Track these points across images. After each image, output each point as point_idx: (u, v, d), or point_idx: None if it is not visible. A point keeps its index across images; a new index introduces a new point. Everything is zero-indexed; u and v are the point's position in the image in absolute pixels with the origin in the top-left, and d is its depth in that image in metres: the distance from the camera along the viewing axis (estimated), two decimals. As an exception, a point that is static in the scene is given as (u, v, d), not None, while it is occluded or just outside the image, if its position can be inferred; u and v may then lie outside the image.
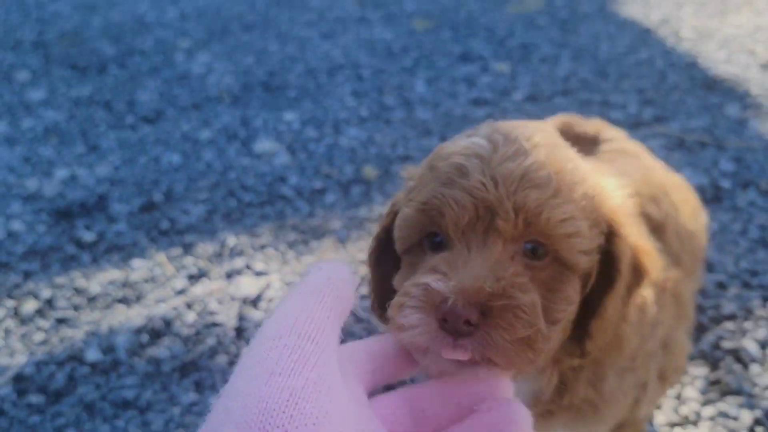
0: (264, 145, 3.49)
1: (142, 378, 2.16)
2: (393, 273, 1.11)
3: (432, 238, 1.01)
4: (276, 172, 3.24)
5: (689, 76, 3.96)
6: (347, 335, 2.24)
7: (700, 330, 2.16)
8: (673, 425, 1.86)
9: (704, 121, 3.43)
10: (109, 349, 2.28)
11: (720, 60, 4.14)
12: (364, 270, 2.55)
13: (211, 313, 2.37)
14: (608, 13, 5.07)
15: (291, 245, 2.73)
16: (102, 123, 3.86)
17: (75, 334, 2.35)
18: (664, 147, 3.23)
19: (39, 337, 2.36)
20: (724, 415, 1.87)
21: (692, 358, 2.06)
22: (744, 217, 2.68)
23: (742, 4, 5.02)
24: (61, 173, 3.36)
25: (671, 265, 1.45)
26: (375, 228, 1.19)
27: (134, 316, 2.39)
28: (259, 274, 2.57)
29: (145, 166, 3.38)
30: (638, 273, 1.12)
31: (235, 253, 2.70)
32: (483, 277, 0.88)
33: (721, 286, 2.33)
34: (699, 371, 2.02)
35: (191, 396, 2.07)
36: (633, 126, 3.44)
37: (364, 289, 2.43)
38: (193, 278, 2.58)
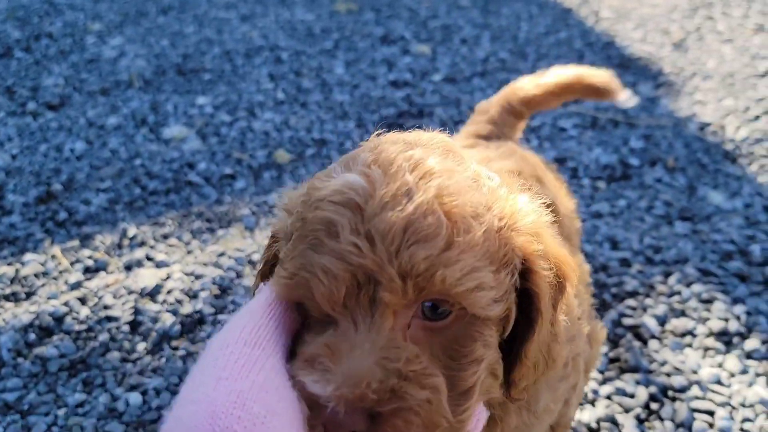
0: (173, 130, 3.34)
1: (25, 379, 2.03)
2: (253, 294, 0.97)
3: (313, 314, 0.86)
4: (184, 158, 3.11)
5: (606, 55, 3.99)
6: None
7: (603, 308, 2.16)
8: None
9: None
10: (-8, 350, 2.14)
11: (636, 39, 4.18)
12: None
13: (105, 308, 2.25)
14: (531, -6, 5.08)
15: (196, 234, 2.62)
16: (0, 110, 3.64)
17: (-44, 335, 2.20)
18: (577, 126, 3.24)
19: None
20: (621, 392, 1.87)
21: (594, 336, 2.06)
22: (651, 194, 2.71)
23: (660, -16, 5.10)
24: (-48, 164, 3.15)
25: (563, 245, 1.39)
26: (258, 264, 1.06)
27: (22, 313, 2.25)
28: (160, 265, 2.45)
29: (45, 155, 3.20)
30: (561, 285, 0.98)
31: (136, 243, 2.57)
32: (368, 374, 0.74)
33: (625, 263, 2.34)
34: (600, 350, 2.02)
35: (78, 396, 1.96)
36: (549, 106, 3.44)
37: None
38: (89, 271, 2.44)
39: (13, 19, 4.85)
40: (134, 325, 2.18)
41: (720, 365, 1.92)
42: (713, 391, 1.83)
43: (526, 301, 0.91)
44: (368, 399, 0.73)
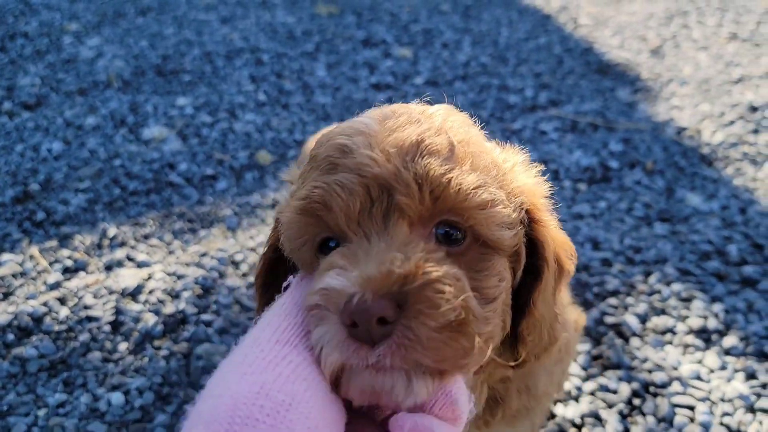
0: (153, 131, 3.31)
1: (4, 379, 1.99)
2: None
3: (326, 245, 0.83)
4: (165, 158, 3.09)
5: (584, 61, 4.05)
6: (232, 325, 2.14)
7: (584, 307, 2.18)
8: (555, 402, 1.86)
9: (597, 105, 3.50)
10: (-31, 351, 2.09)
11: (614, 46, 4.25)
12: (255, 258, 2.45)
13: (86, 308, 2.22)
14: (510, 0, 5.13)
15: (177, 234, 2.60)
16: (-25, 109, 3.58)
17: (-69, 336, 2.15)
18: (558, 129, 3.28)
19: None
20: (604, 388, 1.89)
21: (576, 334, 2.09)
22: (630, 196, 2.75)
23: (636, -7, 5.19)
24: (-75, 163, 3.09)
25: None
26: (263, 247, 1.04)
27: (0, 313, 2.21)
28: (141, 265, 2.43)
29: (21, 155, 3.15)
30: (560, 269, 0.98)
31: (116, 243, 2.54)
32: (390, 258, 0.71)
33: (607, 263, 2.37)
34: (582, 347, 2.04)
35: (59, 396, 1.92)
36: (529, 109, 3.48)
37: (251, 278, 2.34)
38: (69, 272, 2.41)
39: (-12, 19, 4.78)
40: (116, 325, 2.15)
41: (699, 362, 1.96)
42: (693, 387, 1.86)
43: (532, 253, 0.91)
44: (393, 277, 0.69)
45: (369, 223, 0.77)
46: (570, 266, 0.99)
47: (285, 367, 0.69)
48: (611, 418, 1.79)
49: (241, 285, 2.30)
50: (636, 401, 1.85)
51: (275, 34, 4.51)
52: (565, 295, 1.29)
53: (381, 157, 0.78)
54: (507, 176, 0.88)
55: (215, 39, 4.42)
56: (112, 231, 2.59)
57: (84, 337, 2.11)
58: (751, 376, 1.89)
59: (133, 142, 3.23)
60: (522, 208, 0.88)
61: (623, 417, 1.80)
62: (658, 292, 2.22)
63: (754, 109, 3.35)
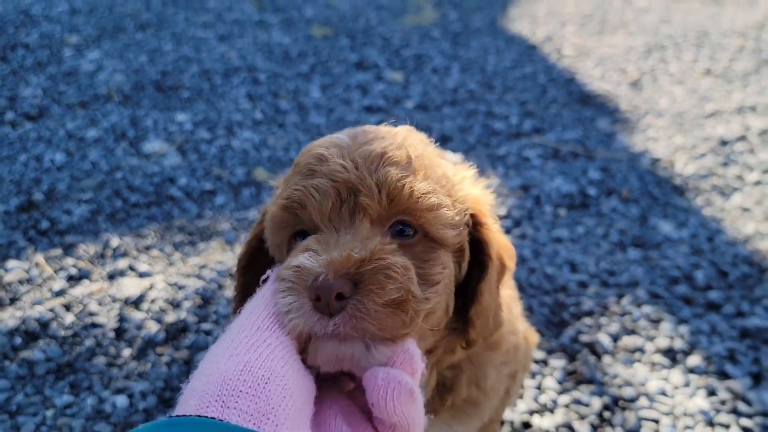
0: (153, 145, 3.44)
1: (13, 381, 2.10)
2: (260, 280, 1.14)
3: (301, 237, 1.02)
4: (165, 172, 3.22)
5: (567, 91, 4.24)
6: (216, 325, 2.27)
7: (561, 325, 2.34)
8: (532, 413, 2.01)
9: (577, 133, 3.69)
10: (-22, 353, 2.20)
11: (595, 77, 4.46)
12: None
13: (91, 314, 2.33)
14: (498, 29, 5.34)
15: (177, 246, 2.73)
16: (-21, 118, 3.68)
17: (-59, 338, 2.25)
18: (540, 156, 3.45)
19: None
20: (577, 402, 2.04)
21: (553, 351, 2.24)
22: (606, 222, 2.92)
23: (619, 26, 5.42)
24: (-70, 170, 3.19)
25: None
26: (247, 235, 1.22)
27: (7, 318, 2.32)
28: (143, 275, 2.55)
29: (25, 164, 3.26)
30: (502, 267, 1.18)
31: (119, 254, 2.66)
32: (351, 247, 0.90)
33: (583, 284, 2.54)
34: (558, 363, 2.20)
35: (66, 398, 2.04)
36: (514, 136, 3.65)
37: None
38: (73, 279, 2.52)
39: (-11, 28, 4.88)
40: (119, 332, 2.27)
41: (665, 379, 2.12)
42: (659, 402, 2.02)
43: (480, 251, 1.11)
44: (352, 260, 0.87)
45: (338, 219, 0.96)
46: (511, 263, 1.20)
47: (265, 349, 0.83)
48: (583, 429, 1.94)
49: (239, 297, 2.43)
50: (606, 414, 2.00)
51: (271, 54, 4.66)
52: (516, 307, 1.48)
53: (350, 165, 0.97)
54: (455, 186, 1.08)
55: (213, 56, 4.56)
56: (114, 241, 2.71)
57: (89, 342, 2.22)
58: (711, 393, 2.06)
59: (134, 155, 3.36)
60: (466, 213, 1.07)
61: (594, 428, 1.95)
62: (630, 313, 2.38)
63: (724, 143, 3.55)
